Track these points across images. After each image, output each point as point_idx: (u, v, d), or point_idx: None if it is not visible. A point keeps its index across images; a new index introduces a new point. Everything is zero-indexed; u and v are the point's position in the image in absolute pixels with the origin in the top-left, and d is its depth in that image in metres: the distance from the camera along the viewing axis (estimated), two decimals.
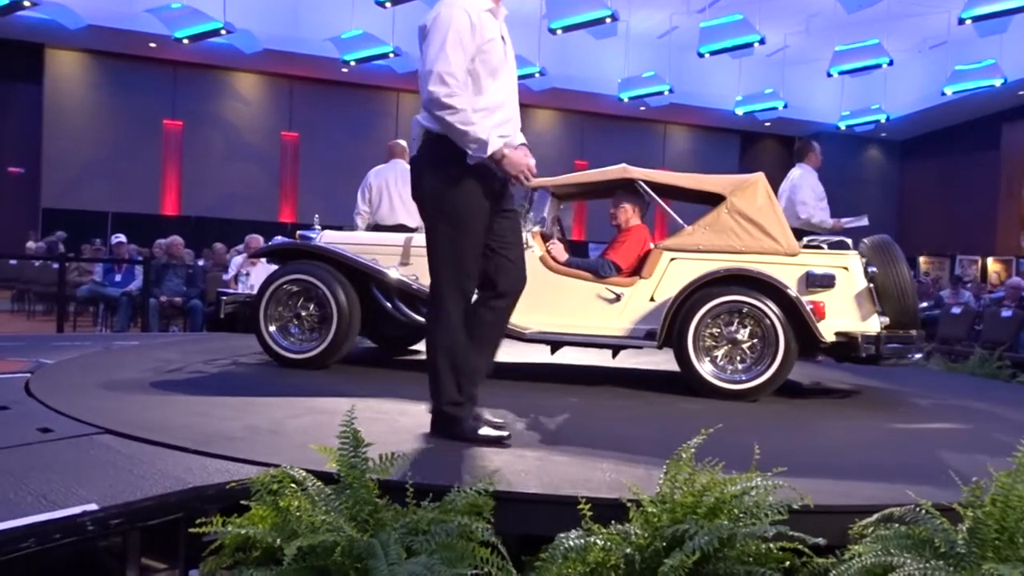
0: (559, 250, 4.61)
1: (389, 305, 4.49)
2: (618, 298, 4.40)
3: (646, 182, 4.59)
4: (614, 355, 4.83)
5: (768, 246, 4.32)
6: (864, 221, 6.13)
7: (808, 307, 4.11)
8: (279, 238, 5.01)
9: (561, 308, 4.44)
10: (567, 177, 4.89)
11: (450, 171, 2.80)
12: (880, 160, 21.17)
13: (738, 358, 4.23)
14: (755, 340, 4.20)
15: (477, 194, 2.81)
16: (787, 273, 4.21)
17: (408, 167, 6.26)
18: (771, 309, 4.12)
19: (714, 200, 4.59)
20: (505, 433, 2.82)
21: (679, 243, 4.43)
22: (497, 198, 2.89)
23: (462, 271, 2.83)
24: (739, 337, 4.21)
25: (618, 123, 19.28)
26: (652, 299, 4.37)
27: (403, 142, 6.68)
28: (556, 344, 4.59)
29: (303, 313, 4.52)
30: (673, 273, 4.34)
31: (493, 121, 2.80)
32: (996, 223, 18.49)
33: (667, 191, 4.69)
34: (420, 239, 4.37)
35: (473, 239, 2.83)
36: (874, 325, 4.26)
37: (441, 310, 2.84)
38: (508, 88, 2.91)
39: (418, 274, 4.45)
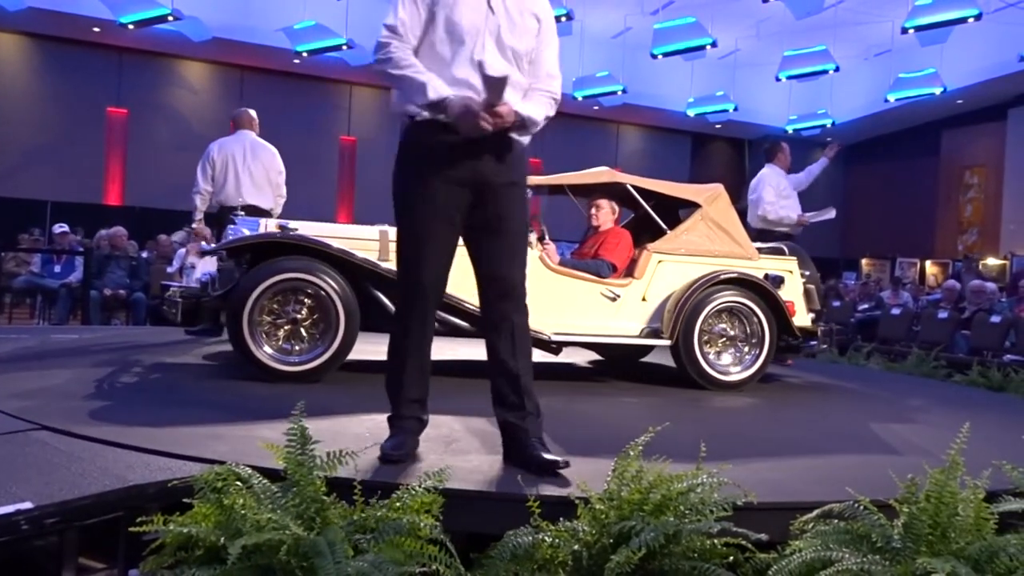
0: (552, 250, 4.68)
1: (392, 305, 3.87)
2: (616, 298, 4.52)
3: (633, 187, 4.76)
4: (603, 354, 4.97)
5: (736, 251, 4.73)
6: (831, 214, 6.34)
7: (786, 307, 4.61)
8: (241, 228, 4.33)
9: (568, 309, 4.47)
10: (554, 177, 4.96)
11: (407, 162, 2.55)
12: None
13: (727, 353, 4.61)
14: (741, 335, 4.60)
15: (434, 195, 2.49)
16: (757, 275, 4.64)
17: (260, 141, 5.88)
18: (759, 308, 4.54)
19: (671, 206, 4.94)
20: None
21: (665, 246, 4.67)
22: (468, 198, 2.52)
23: (411, 269, 2.54)
24: (734, 334, 4.60)
25: (572, 121, 19.32)
26: (644, 299, 4.57)
27: (252, 112, 6.07)
28: (569, 345, 4.63)
29: (299, 317, 3.95)
30: (662, 274, 4.60)
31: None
32: (935, 227, 19.08)
33: (646, 196, 4.88)
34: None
35: (422, 237, 2.51)
36: (807, 320, 4.81)
37: (398, 310, 2.63)
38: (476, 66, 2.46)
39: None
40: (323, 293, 3.90)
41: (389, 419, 2.63)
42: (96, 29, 14.89)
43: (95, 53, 15.83)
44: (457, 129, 2.42)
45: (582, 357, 5.53)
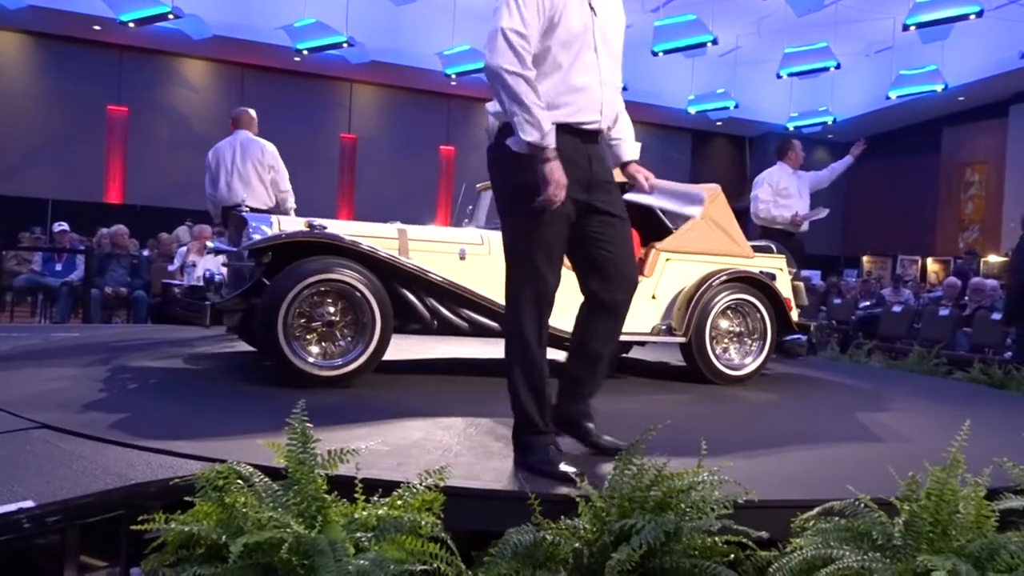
0: None
1: (421, 305, 3.90)
2: None
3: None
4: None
5: (735, 249, 4.83)
6: (823, 213, 6.36)
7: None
8: (261, 227, 4.10)
9: None
10: None
11: (523, 162, 2.40)
12: (827, 161, 21.42)
13: (732, 348, 4.72)
14: (744, 331, 4.74)
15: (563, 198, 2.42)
16: (758, 273, 4.77)
17: (252, 138, 5.88)
18: (762, 304, 4.68)
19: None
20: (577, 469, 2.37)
21: (671, 245, 4.73)
22: (584, 195, 2.53)
23: (537, 277, 2.49)
24: (739, 330, 4.72)
25: None
26: (654, 297, 4.62)
27: (251, 111, 6.09)
28: None
29: (335, 320, 3.75)
30: (670, 272, 4.67)
31: (570, 109, 2.46)
32: (936, 225, 19.07)
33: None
34: (415, 231, 4.24)
35: (549, 242, 2.49)
36: (796, 316, 4.96)
37: (514, 321, 2.52)
38: (592, 68, 2.49)
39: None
40: (358, 294, 3.73)
41: (528, 436, 2.51)
42: (96, 27, 14.90)
43: (95, 51, 15.84)
44: (545, 176, 2.36)
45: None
